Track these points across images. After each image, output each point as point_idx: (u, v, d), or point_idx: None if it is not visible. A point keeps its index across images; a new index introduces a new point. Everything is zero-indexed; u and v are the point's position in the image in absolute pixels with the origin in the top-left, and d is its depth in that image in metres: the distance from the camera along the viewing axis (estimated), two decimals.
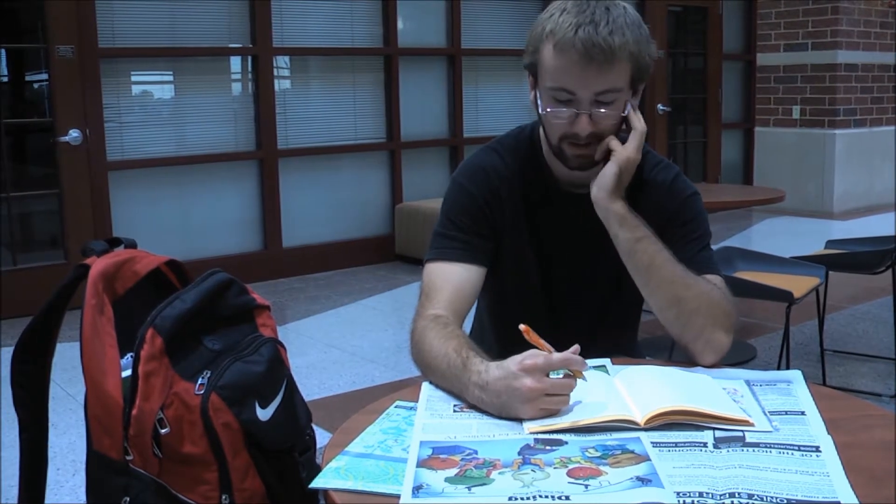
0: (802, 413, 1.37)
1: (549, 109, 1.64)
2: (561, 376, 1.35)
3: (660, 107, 8.21)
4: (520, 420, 1.33)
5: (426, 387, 1.50)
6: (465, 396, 1.42)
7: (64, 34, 5.08)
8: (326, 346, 4.50)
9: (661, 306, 1.63)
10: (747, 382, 1.50)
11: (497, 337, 1.92)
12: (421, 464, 1.19)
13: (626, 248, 1.64)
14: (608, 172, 1.63)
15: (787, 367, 3.24)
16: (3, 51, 5.29)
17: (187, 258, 5.04)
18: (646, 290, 1.65)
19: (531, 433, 1.29)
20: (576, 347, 1.37)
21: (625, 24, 1.57)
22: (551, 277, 1.84)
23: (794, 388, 1.48)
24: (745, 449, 1.24)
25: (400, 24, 6.51)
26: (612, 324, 1.89)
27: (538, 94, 1.67)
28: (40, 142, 5.42)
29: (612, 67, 1.57)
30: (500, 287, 1.86)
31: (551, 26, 1.59)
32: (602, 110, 1.61)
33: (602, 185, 1.64)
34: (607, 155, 1.66)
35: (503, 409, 1.35)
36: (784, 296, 3.20)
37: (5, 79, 5.52)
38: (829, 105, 8.36)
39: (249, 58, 5.96)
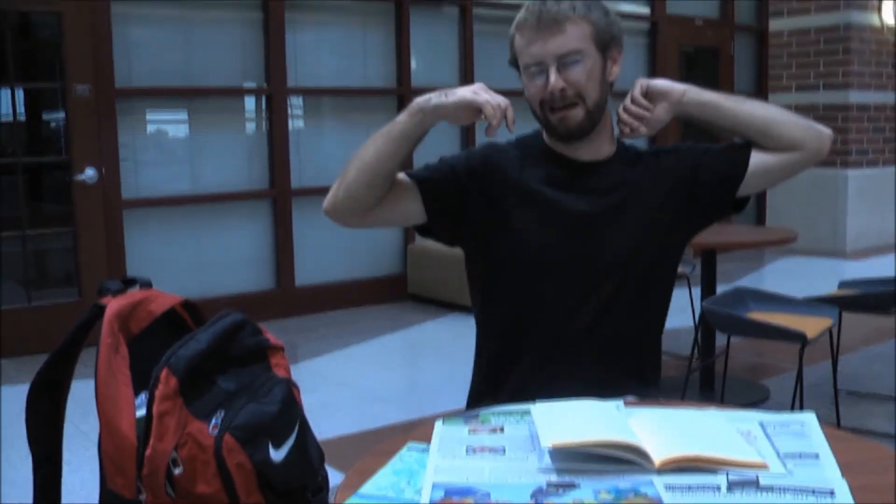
0: (816, 456, 1.36)
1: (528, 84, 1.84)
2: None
3: None
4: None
5: (439, 427, 1.50)
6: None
7: (80, 73, 5.15)
8: (338, 384, 4.49)
9: (796, 133, 1.89)
10: (761, 424, 1.49)
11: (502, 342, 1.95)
12: None
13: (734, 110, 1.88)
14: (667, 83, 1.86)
15: (801, 409, 3.22)
16: (20, 90, 5.36)
17: (200, 296, 5.06)
18: (772, 136, 1.90)
19: (553, 447, 1.31)
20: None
21: None
22: (564, 250, 1.86)
23: (807, 429, 1.47)
24: (758, 492, 1.23)
25: (413, 64, 6.57)
26: (627, 307, 1.89)
27: (523, 82, 1.86)
28: (56, 180, 5.48)
29: (563, 28, 1.76)
30: (508, 265, 1.92)
31: (516, 20, 1.83)
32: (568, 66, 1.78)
33: (674, 87, 1.85)
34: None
35: (446, 97, 1.68)
36: (797, 337, 3.19)
37: (22, 118, 5.60)
38: (842, 145, 8.36)
39: (263, 97, 6.02)
